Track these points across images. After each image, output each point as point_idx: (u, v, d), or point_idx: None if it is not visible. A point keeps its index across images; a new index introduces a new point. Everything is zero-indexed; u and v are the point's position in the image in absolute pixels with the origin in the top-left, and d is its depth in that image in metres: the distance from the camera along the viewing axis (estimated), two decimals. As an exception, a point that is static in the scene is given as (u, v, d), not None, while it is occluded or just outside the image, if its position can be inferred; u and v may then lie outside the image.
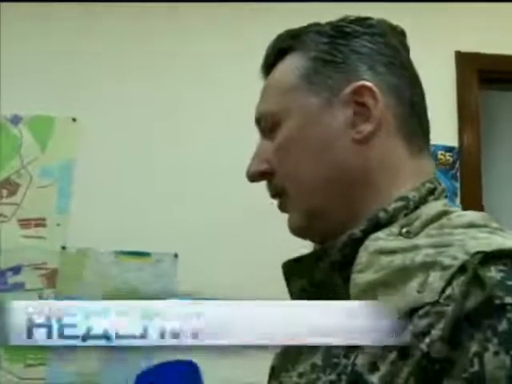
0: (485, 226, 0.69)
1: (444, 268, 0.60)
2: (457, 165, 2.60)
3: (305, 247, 0.87)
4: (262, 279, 2.31)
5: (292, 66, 0.84)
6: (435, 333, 0.57)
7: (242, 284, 2.42)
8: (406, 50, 0.88)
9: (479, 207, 2.57)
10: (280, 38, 0.89)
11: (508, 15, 2.79)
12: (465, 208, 2.42)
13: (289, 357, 0.78)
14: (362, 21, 0.85)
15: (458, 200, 2.56)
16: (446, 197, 0.82)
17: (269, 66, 0.90)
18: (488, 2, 2.79)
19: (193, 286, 2.40)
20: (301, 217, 0.83)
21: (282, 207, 0.86)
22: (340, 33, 0.83)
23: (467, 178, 2.60)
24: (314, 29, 0.86)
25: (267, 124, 0.86)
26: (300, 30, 0.87)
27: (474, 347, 0.55)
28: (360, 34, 0.83)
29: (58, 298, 2.39)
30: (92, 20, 2.69)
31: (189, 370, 0.81)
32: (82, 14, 2.69)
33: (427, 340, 0.57)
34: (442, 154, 2.58)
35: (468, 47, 2.71)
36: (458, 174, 2.59)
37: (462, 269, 0.59)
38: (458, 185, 2.58)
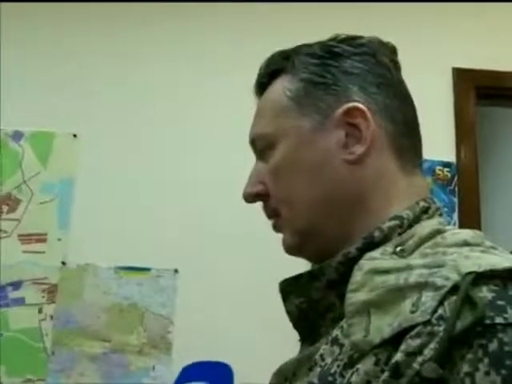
0: (478, 244, 0.69)
1: (436, 288, 0.61)
2: (455, 180, 2.60)
3: (304, 264, 0.88)
4: (263, 294, 2.33)
5: (283, 88, 0.85)
6: (427, 352, 0.57)
7: (243, 299, 2.43)
8: (397, 67, 0.88)
9: (477, 222, 2.58)
10: (272, 59, 0.90)
11: (505, 31, 2.81)
12: (463, 222, 2.43)
13: (286, 375, 0.78)
14: (352, 40, 0.86)
15: (456, 215, 2.57)
16: (441, 215, 0.82)
17: (262, 86, 0.91)
18: (485, 19, 2.81)
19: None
20: (295, 236, 0.84)
21: (277, 228, 0.87)
22: (330, 53, 0.84)
23: (465, 193, 2.61)
24: (304, 50, 0.86)
25: (261, 146, 0.87)
26: (291, 51, 0.88)
27: (466, 367, 0.56)
28: (350, 54, 0.84)
29: (58, 313, 2.40)
30: (93, 35, 2.71)
31: (225, 370, 0.85)
32: (82, 31, 2.72)
33: (419, 359, 0.57)
34: (439, 170, 2.59)
35: (465, 63, 2.73)
36: (456, 189, 2.61)
37: (454, 289, 0.60)
38: (456, 200, 2.59)
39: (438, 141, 2.52)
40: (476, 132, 2.69)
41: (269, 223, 0.89)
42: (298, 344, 0.84)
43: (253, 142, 0.89)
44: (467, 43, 2.77)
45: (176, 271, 2.46)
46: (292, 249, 0.86)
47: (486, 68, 2.71)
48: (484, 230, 2.61)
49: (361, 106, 0.80)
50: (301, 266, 0.86)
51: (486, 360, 0.55)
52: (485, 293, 0.59)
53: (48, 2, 2.70)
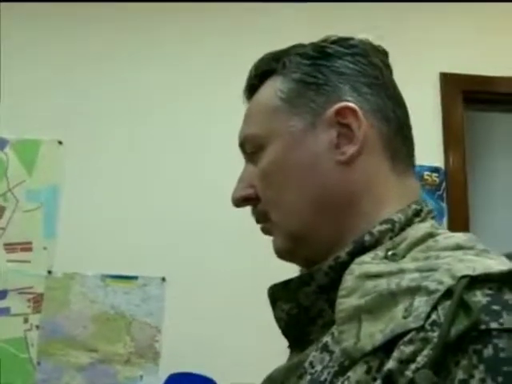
0: (471, 248, 0.68)
1: (429, 293, 0.59)
2: (443, 185, 2.60)
3: (295, 270, 0.86)
4: (252, 302, 2.31)
5: (274, 88, 0.84)
6: (421, 359, 0.55)
7: (231, 308, 2.41)
8: (389, 69, 0.87)
9: (466, 227, 2.58)
10: (262, 61, 0.89)
11: (492, 36, 2.82)
12: (452, 228, 2.42)
13: (275, 383, 0.77)
14: (343, 41, 0.85)
15: (444, 220, 2.56)
16: (434, 217, 0.81)
17: (252, 88, 0.90)
18: (472, 23, 2.82)
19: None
20: (285, 240, 0.82)
21: (266, 231, 0.85)
22: (321, 54, 0.83)
23: (453, 199, 2.61)
24: (296, 51, 0.85)
25: (251, 148, 0.85)
26: (282, 52, 0.87)
27: (460, 374, 0.54)
28: (342, 55, 0.83)
29: (43, 322, 2.37)
30: (79, 42, 2.69)
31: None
32: (68, 37, 2.70)
33: (413, 367, 0.56)
34: (428, 175, 2.59)
35: (452, 68, 2.73)
36: (445, 195, 2.60)
37: (448, 293, 0.58)
38: (444, 205, 2.59)
39: (426, 146, 2.51)
40: (464, 136, 2.70)
41: (257, 230, 0.88)
42: (288, 352, 0.83)
43: (242, 145, 0.88)
44: (454, 48, 2.77)
45: (163, 279, 2.43)
46: (283, 253, 0.84)
47: (474, 73, 2.72)
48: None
49: (352, 105, 0.79)
50: (292, 271, 0.84)
51: (482, 367, 0.54)
52: (479, 297, 0.57)
53: (39, 2, 2.68)
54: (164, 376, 2.31)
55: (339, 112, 0.79)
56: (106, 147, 2.59)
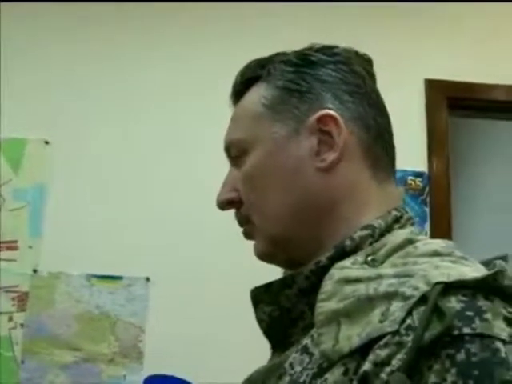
0: (448, 254, 0.69)
1: (405, 298, 0.61)
2: (426, 190, 2.63)
3: (278, 272, 0.88)
4: (236, 302, 2.32)
5: (258, 95, 0.86)
6: (395, 363, 0.57)
7: (215, 308, 2.42)
8: (372, 78, 0.89)
9: (449, 231, 2.60)
10: (247, 68, 0.91)
11: (477, 43, 2.84)
12: (434, 232, 2.43)
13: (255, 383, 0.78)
14: (327, 49, 0.86)
15: (427, 225, 2.59)
16: (413, 224, 0.82)
17: (237, 94, 0.91)
18: (457, 31, 2.85)
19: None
20: (266, 243, 0.84)
21: (248, 235, 0.87)
22: (305, 61, 0.85)
23: (437, 203, 2.63)
24: (280, 58, 0.87)
25: (235, 152, 0.87)
26: (267, 59, 0.89)
27: (433, 378, 0.55)
28: (325, 63, 0.84)
29: (28, 321, 2.37)
30: (66, 42, 2.69)
31: None
32: (54, 39, 2.69)
33: (387, 370, 0.57)
34: (411, 180, 2.61)
35: (437, 75, 2.75)
36: (428, 199, 2.63)
37: (423, 299, 0.59)
38: (427, 210, 2.61)
39: (410, 151, 2.54)
40: (448, 142, 2.72)
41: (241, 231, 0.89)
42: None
43: (227, 149, 0.89)
44: (439, 54, 2.79)
45: (148, 280, 2.44)
46: (264, 255, 0.86)
47: (458, 79, 2.74)
48: (455, 239, 2.62)
49: (333, 112, 0.80)
50: (275, 273, 0.86)
51: (453, 370, 0.55)
52: (453, 303, 0.59)
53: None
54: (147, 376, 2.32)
55: (321, 119, 0.80)
56: (92, 147, 2.59)
